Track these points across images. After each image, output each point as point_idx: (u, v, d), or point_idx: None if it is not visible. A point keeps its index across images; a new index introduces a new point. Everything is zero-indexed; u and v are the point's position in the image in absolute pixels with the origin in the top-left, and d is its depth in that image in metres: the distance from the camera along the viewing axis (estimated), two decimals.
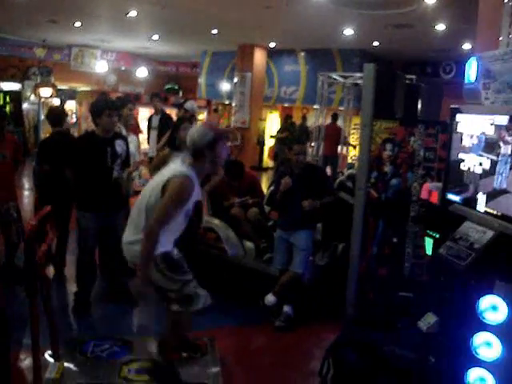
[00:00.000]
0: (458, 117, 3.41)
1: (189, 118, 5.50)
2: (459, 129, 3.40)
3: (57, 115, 5.76)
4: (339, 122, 12.57)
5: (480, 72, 3.17)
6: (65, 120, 5.80)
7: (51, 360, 3.65)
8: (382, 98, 4.45)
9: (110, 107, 4.73)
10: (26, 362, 3.78)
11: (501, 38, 4.04)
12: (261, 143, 16.94)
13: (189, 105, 7.43)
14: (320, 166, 5.52)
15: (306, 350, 4.51)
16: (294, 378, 4.02)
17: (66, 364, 3.65)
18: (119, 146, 4.82)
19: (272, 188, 5.28)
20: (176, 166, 3.33)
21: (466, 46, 11.97)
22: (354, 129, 13.76)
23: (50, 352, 3.68)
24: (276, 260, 4.99)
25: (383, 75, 4.47)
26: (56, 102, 11.50)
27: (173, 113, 10.65)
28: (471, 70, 3.27)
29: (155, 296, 3.59)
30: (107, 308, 4.92)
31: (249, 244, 5.55)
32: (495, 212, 2.95)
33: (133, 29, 13.42)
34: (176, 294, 3.37)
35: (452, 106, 3.50)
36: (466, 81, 3.33)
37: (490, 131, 3.00)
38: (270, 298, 4.87)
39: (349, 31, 11.18)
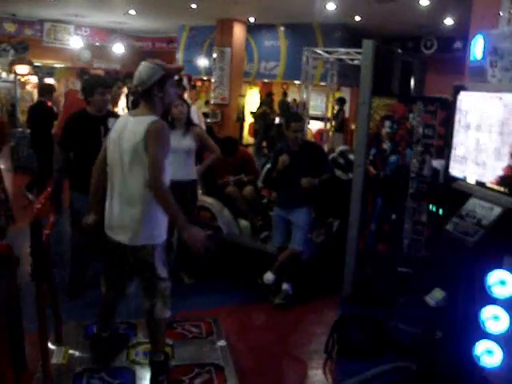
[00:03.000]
0: (462, 94, 3.42)
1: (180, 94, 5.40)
2: (463, 106, 3.41)
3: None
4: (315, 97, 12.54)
5: (487, 49, 3.17)
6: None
7: (54, 345, 3.60)
8: (381, 75, 4.43)
9: (103, 85, 4.63)
10: (28, 348, 3.72)
11: (501, 14, 4.05)
12: (240, 119, 16.83)
13: (185, 82, 7.31)
14: (318, 143, 5.52)
15: (306, 327, 4.56)
16: (299, 356, 4.06)
17: (70, 349, 3.61)
18: (112, 124, 4.72)
19: (268, 166, 5.26)
20: (139, 120, 3.07)
21: (448, 22, 12.01)
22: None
23: (51, 337, 3.62)
24: (275, 238, 4.99)
25: (382, 52, 4.45)
26: (34, 79, 11.15)
27: None
28: (477, 48, 3.27)
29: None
30: None
31: (244, 222, 5.55)
32: (502, 189, 2.98)
33: (108, 3, 13.07)
34: (165, 285, 3.19)
35: (455, 83, 3.50)
36: (472, 58, 3.34)
37: (498, 109, 3.01)
38: (268, 276, 4.88)
39: (331, 5, 11.07)
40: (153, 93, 3.06)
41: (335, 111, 13.12)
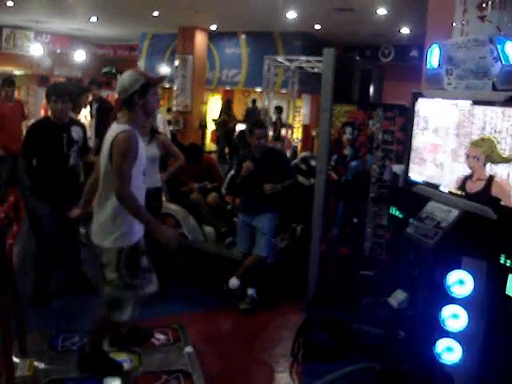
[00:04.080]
0: (420, 100, 3.55)
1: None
2: (421, 112, 3.53)
3: None
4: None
5: (442, 58, 3.30)
6: None
7: (18, 357, 3.53)
8: (341, 83, 4.54)
9: (55, 93, 4.56)
10: None
11: (454, 24, 4.20)
12: (203, 127, 16.84)
13: None
14: (281, 150, 5.59)
15: (272, 331, 4.60)
16: (266, 360, 4.09)
17: (35, 360, 3.55)
18: (76, 132, 4.70)
19: (232, 172, 5.30)
20: (113, 130, 3.17)
21: (404, 31, 12.34)
22: (297, 111, 13.96)
23: (15, 349, 3.55)
24: (239, 244, 5.04)
25: (342, 60, 4.56)
26: None
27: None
28: (433, 57, 3.39)
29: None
30: (68, 299, 4.81)
31: (209, 228, 5.57)
32: (459, 192, 3.11)
33: (69, 9, 12.91)
34: (110, 289, 3.25)
35: (414, 90, 3.63)
36: (429, 66, 3.46)
37: (454, 113, 3.14)
38: (233, 282, 4.92)
39: (292, 14, 11.22)
40: (134, 101, 3.15)
41: (273, 120, 13.12)
